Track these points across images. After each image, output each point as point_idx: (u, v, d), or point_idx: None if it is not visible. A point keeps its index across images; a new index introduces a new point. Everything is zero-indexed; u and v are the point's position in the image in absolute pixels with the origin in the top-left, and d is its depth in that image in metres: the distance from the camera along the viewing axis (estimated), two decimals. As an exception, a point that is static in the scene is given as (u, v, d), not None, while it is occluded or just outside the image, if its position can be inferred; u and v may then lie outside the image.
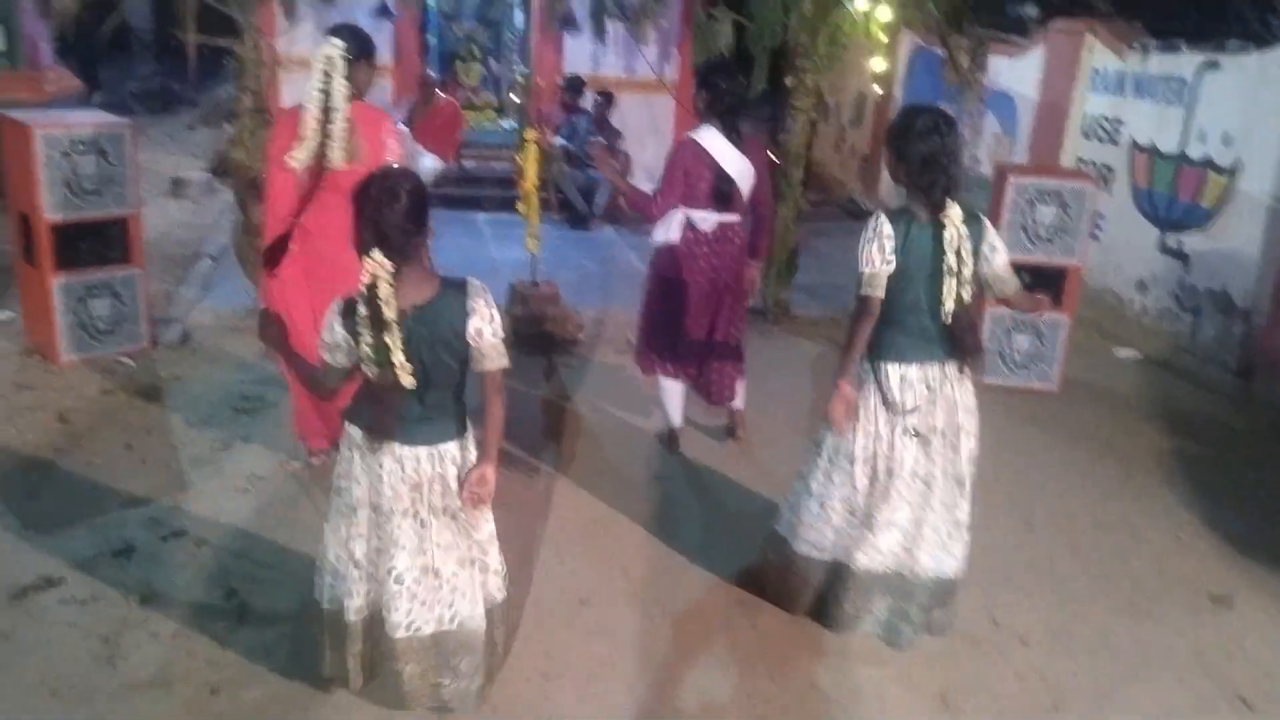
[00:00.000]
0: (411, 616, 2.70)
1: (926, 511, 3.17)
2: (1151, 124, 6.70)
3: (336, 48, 3.69)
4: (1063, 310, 5.58)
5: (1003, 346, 5.68)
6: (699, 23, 6.46)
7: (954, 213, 2.96)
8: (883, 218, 3.00)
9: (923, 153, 2.95)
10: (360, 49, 3.80)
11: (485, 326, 2.62)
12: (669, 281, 4.40)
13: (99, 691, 2.88)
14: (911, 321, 3.07)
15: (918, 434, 3.11)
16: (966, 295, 3.01)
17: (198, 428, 4.53)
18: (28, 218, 4.88)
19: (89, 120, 5.06)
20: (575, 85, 8.90)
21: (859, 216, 10.39)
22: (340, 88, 3.70)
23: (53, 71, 8.18)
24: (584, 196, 8.68)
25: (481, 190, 9.01)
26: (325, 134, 3.71)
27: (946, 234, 2.94)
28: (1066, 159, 7.49)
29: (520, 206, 5.86)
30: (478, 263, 7.25)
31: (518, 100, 9.84)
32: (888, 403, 3.10)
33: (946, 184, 2.96)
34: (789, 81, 6.34)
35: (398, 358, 2.50)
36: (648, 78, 9.22)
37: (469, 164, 9.37)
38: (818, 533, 3.29)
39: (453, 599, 2.74)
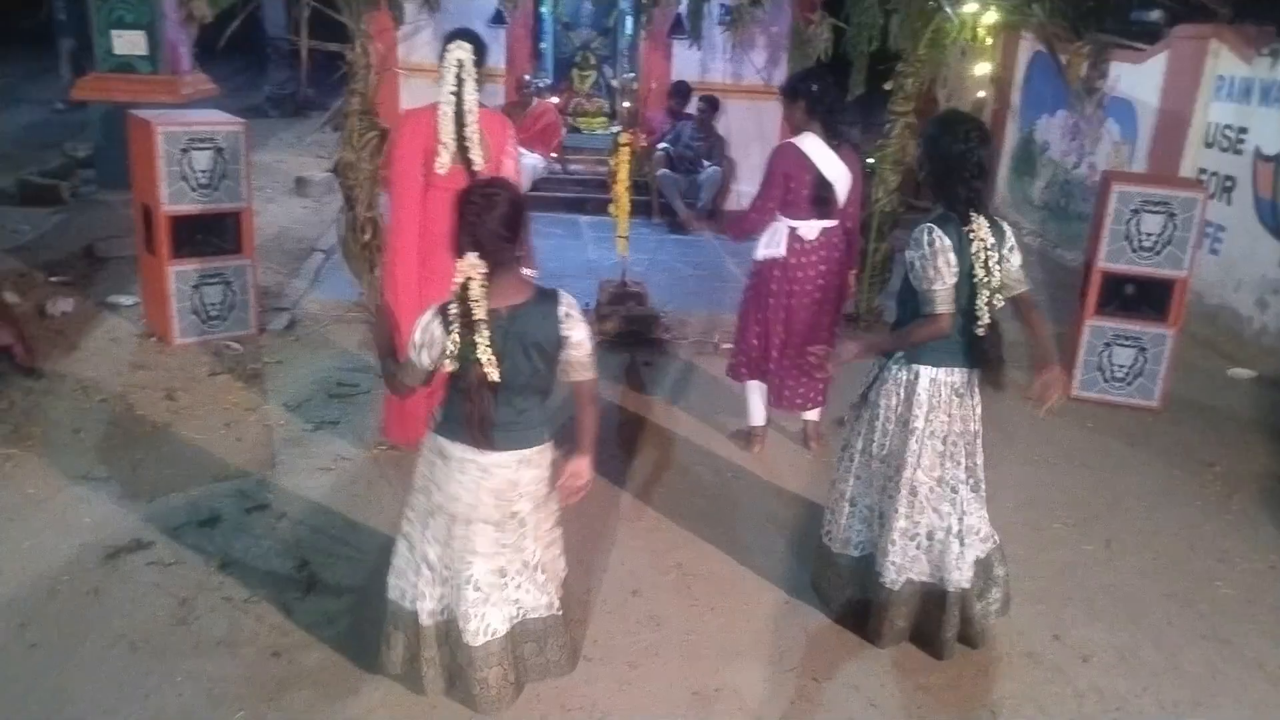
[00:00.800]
0: (487, 621, 2.77)
1: (946, 518, 3.14)
2: (1278, 132, 6.35)
3: (466, 50, 3.78)
4: (1168, 324, 5.35)
5: (1101, 360, 5.47)
6: (797, 28, 6.43)
7: (980, 225, 2.94)
8: (936, 230, 2.95)
9: (948, 159, 2.96)
10: (481, 53, 3.89)
11: (585, 338, 2.70)
12: (776, 295, 4.38)
13: (171, 648, 3.08)
14: (952, 327, 3.05)
15: (935, 438, 3.10)
16: (997, 304, 3.01)
17: (292, 410, 4.77)
18: (149, 209, 5.23)
19: (207, 119, 5.40)
20: (681, 91, 8.95)
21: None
22: (472, 90, 3.79)
23: (190, 76, 8.69)
24: (686, 201, 8.72)
25: (585, 193, 9.16)
26: (463, 137, 3.81)
27: (974, 247, 2.93)
28: (1187, 168, 7.15)
29: (611, 208, 5.94)
30: (574, 263, 7.39)
31: (626, 105, 10.00)
32: (911, 405, 3.09)
33: (968, 195, 2.95)
34: (888, 86, 6.26)
35: (484, 354, 2.57)
36: (755, 83, 9.23)
37: (576, 167, 9.54)
38: (846, 530, 3.32)
39: (518, 596, 2.83)
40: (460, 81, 3.78)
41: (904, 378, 3.12)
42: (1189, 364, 6.03)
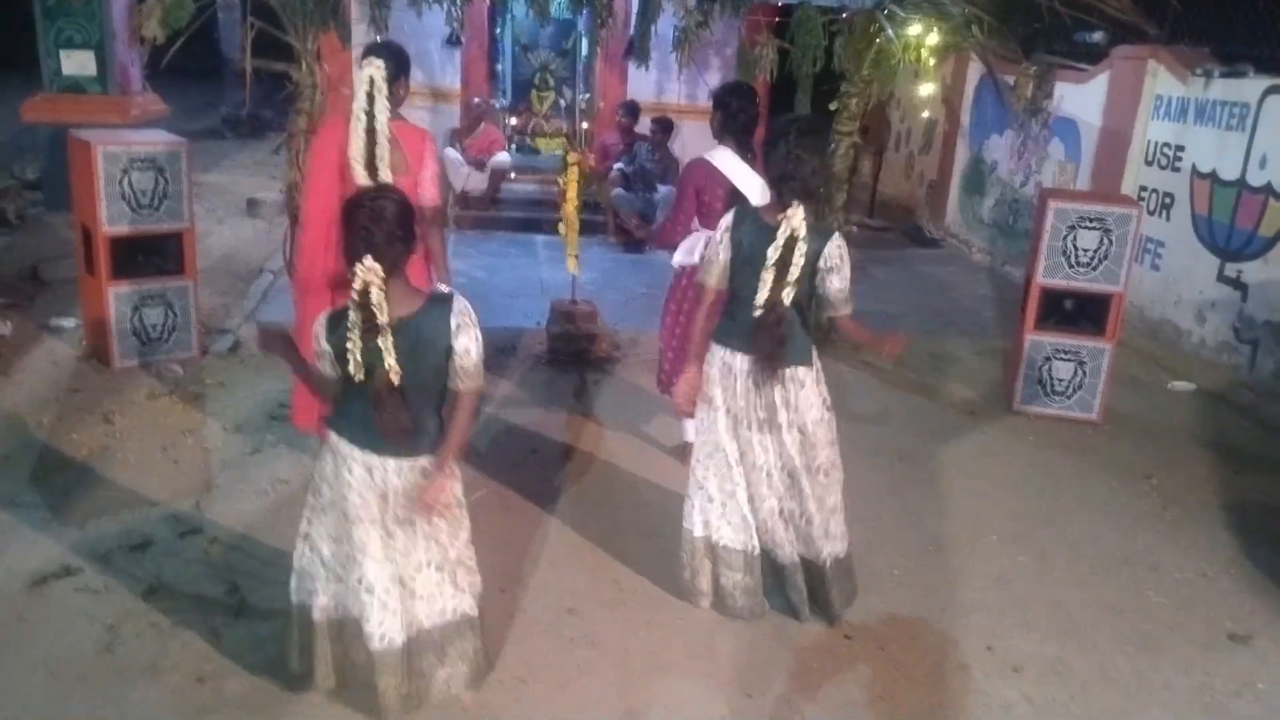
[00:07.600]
0: (384, 628, 2.77)
1: (770, 499, 3.39)
2: (1213, 151, 6.49)
3: (377, 67, 3.73)
4: (1106, 338, 5.43)
5: (1041, 374, 5.54)
6: (742, 49, 6.51)
7: (794, 213, 3.12)
8: (730, 214, 3.30)
9: (772, 157, 3.25)
10: (398, 67, 3.86)
11: (471, 346, 2.69)
12: (688, 300, 4.43)
13: (94, 676, 3.03)
14: (743, 312, 3.24)
15: (727, 415, 3.35)
16: (789, 297, 3.16)
17: (232, 432, 4.72)
18: (89, 230, 5.18)
19: (147, 139, 5.36)
20: (632, 111, 9.02)
21: (924, 244, 10.29)
22: (383, 107, 3.75)
23: (140, 97, 8.63)
24: (642, 220, 8.75)
25: (541, 213, 9.17)
26: (373, 153, 3.76)
27: (780, 230, 3.12)
28: (1128, 186, 7.30)
29: (560, 227, 5.96)
30: (528, 282, 7.40)
31: (585, 126, 10.04)
32: (707, 380, 3.38)
33: (788, 188, 3.17)
34: (832, 106, 6.34)
35: (389, 360, 2.59)
36: (708, 105, 9.30)
37: (530, 188, 9.58)
38: (699, 511, 3.52)
39: (416, 606, 2.83)
40: (371, 99, 3.72)
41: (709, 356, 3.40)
42: (1131, 378, 6.13)
